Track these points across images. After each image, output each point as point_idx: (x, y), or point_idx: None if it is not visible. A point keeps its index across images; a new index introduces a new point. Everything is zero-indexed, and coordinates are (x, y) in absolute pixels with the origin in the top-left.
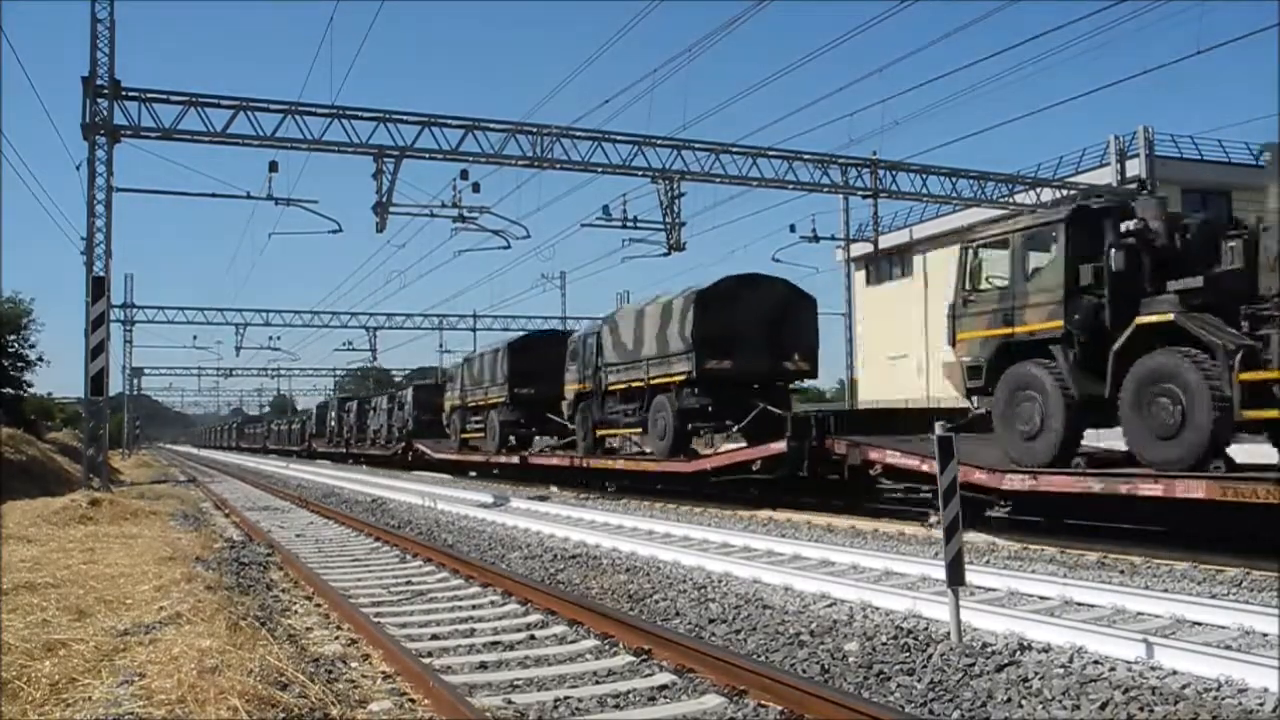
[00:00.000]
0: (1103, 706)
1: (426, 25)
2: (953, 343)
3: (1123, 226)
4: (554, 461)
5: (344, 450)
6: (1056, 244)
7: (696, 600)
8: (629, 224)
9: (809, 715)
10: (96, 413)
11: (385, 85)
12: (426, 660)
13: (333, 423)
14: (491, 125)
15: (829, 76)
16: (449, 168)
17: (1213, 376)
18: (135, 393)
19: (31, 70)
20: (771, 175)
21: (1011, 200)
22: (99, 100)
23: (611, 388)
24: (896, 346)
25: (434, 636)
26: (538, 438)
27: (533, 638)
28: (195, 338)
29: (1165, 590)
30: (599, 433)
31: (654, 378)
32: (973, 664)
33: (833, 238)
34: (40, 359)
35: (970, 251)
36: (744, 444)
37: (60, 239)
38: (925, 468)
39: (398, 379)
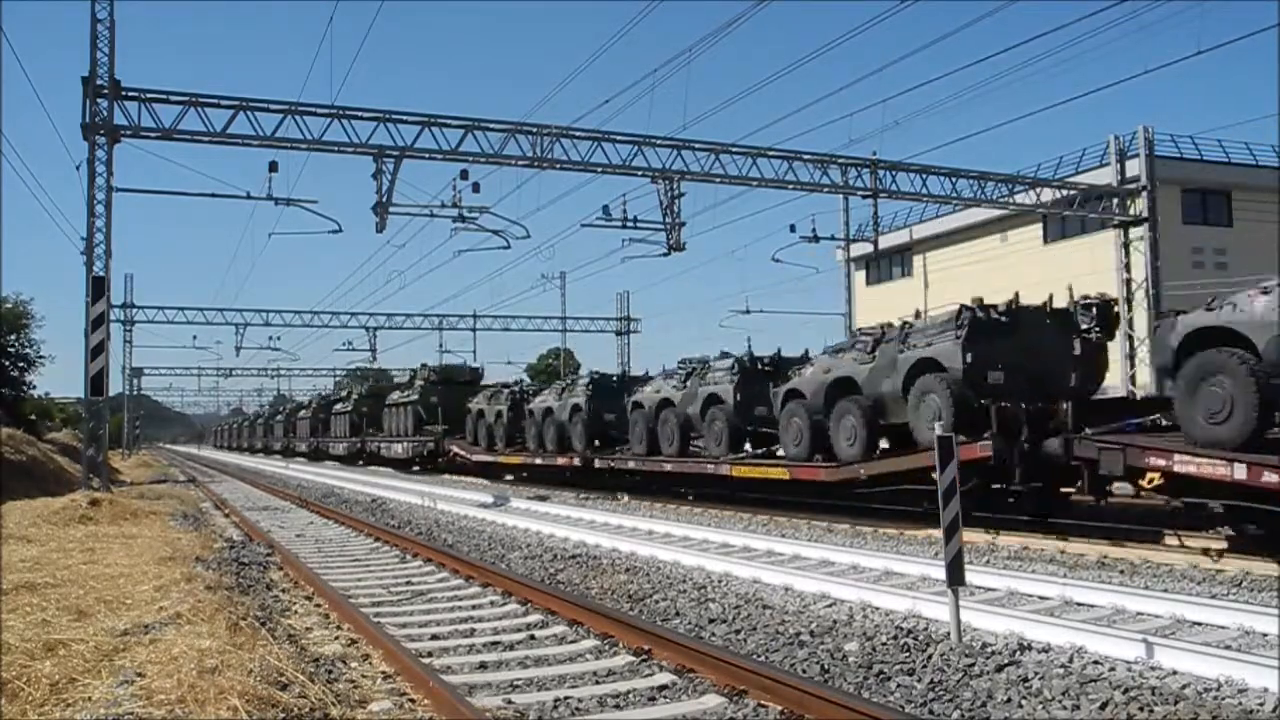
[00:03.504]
0: (1103, 706)
1: (426, 25)
2: None
3: None
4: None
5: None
6: None
7: (696, 600)
8: (629, 224)
9: (809, 715)
10: (96, 413)
11: (385, 85)
12: (426, 660)
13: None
14: (491, 125)
15: (829, 76)
16: (449, 168)
17: None
18: (135, 393)
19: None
20: (771, 175)
21: (1011, 200)
22: (99, 100)
23: None
24: None
25: (434, 636)
26: None
27: (533, 638)
28: (195, 338)
29: (1165, 590)
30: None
31: None
32: (973, 664)
33: (833, 238)
34: (40, 356)
35: None
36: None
37: (60, 239)
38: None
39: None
